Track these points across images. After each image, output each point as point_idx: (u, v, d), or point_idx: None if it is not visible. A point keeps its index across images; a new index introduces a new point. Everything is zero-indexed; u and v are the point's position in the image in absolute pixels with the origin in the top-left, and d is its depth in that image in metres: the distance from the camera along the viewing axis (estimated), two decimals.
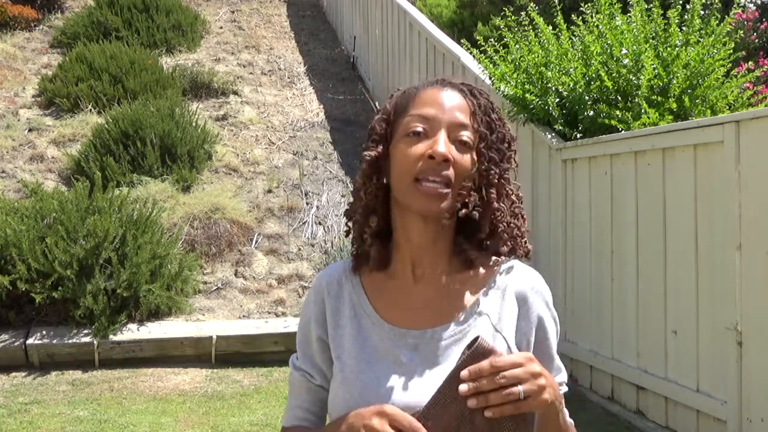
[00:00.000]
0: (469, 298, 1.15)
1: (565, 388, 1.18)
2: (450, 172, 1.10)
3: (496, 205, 1.14)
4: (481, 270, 1.18)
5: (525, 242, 1.19)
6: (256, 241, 6.47)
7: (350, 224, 1.21)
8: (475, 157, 1.13)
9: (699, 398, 3.50)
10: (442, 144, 1.10)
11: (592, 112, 4.52)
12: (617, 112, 4.35)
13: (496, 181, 1.14)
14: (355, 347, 1.15)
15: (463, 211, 1.13)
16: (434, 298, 1.16)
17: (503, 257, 1.19)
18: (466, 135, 1.12)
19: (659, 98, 4.36)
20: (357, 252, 1.21)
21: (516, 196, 1.19)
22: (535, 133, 4.96)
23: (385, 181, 1.16)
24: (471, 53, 5.46)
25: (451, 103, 1.14)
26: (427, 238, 1.15)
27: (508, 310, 1.15)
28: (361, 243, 1.19)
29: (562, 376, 1.20)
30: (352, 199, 1.21)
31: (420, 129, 1.12)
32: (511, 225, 1.17)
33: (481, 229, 1.15)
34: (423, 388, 1.07)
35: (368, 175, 1.17)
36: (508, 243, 1.16)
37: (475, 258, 1.17)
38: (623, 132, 4.23)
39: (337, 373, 1.15)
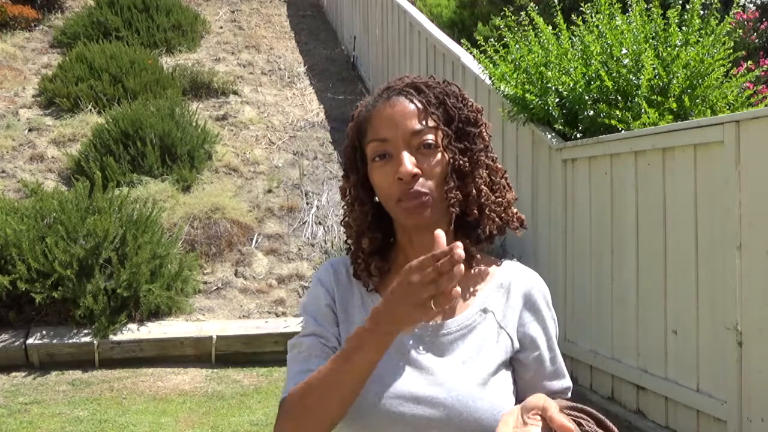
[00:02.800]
0: (474, 294, 1.17)
1: (568, 396, 1.19)
2: (424, 183, 1.10)
3: (474, 191, 1.14)
4: (483, 267, 1.20)
5: (515, 212, 1.19)
6: (256, 241, 6.47)
7: (349, 242, 1.23)
8: (443, 153, 1.12)
9: (699, 398, 3.50)
10: (405, 163, 1.09)
11: (592, 112, 4.52)
12: (617, 112, 4.34)
13: (468, 168, 1.13)
14: None
15: (453, 210, 1.12)
16: None
17: (504, 259, 1.22)
18: (427, 138, 1.11)
19: (659, 98, 4.36)
20: (356, 273, 1.21)
21: (495, 169, 1.18)
22: (535, 133, 4.96)
23: (376, 199, 1.17)
24: (471, 53, 5.46)
25: (401, 113, 1.12)
26: (428, 239, 1.15)
27: (511, 307, 1.16)
28: (358, 266, 1.20)
29: (567, 381, 1.21)
30: (343, 227, 1.23)
31: (382, 152, 1.12)
32: (497, 201, 1.17)
33: (468, 215, 1.15)
34: (428, 377, 1.09)
35: (350, 204, 1.19)
36: (497, 220, 1.16)
37: (475, 254, 1.18)
38: (623, 132, 4.23)
39: None
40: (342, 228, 1.26)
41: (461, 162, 1.13)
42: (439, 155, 1.12)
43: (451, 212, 1.12)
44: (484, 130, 1.18)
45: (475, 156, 1.14)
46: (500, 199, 1.17)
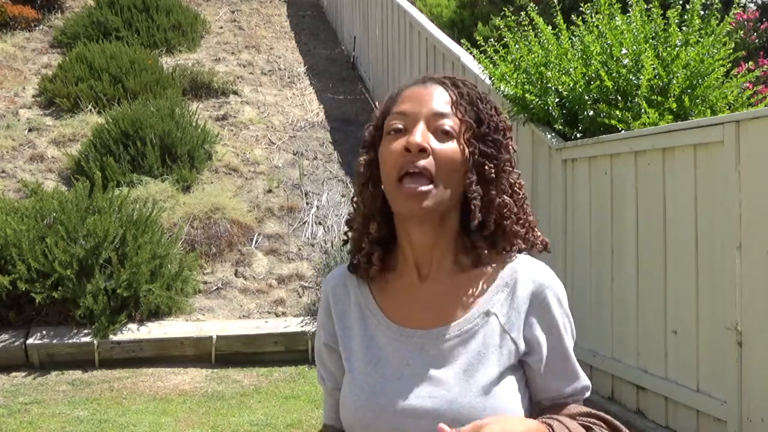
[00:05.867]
0: (476, 297, 1.12)
1: (584, 395, 1.16)
2: (429, 162, 1.07)
3: (498, 200, 1.11)
4: (490, 267, 1.14)
5: (539, 235, 1.16)
6: (256, 241, 6.47)
7: (349, 233, 1.20)
8: (462, 147, 1.10)
9: (699, 398, 3.49)
10: (417, 135, 1.07)
11: (592, 112, 4.52)
12: (617, 112, 4.34)
13: (494, 175, 1.11)
14: (362, 348, 1.13)
15: (476, 204, 1.09)
16: (441, 298, 1.13)
17: (514, 253, 1.16)
18: (447, 124, 1.09)
19: (659, 98, 4.36)
20: (356, 261, 1.19)
21: (518, 186, 1.16)
22: (535, 133, 4.96)
23: (382, 187, 1.13)
24: (471, 53, 5.46)
25: (431, 95, 1.11)
26: (427, 238, 1.12)
27: (517, 308, 1.11)
28: (360, 250, 1.17)
29: (582, 382, 1.16)
30: (353, 209, 1.20)
31: (400, 126, 1.10)
32: (521, 219, 1.14)
33: (485, 226, 1.11)
34: (429, 389, 1.06)
35: (363, 183, 1.16)
36: (523, 239, 1.13)
37: (483, 255, 1.13)
38: (623, 132, 4.23)
39: (347, 374, 1.14)
40: (344, 226, 1.25)
41: (487, 167, 1.10)
42: (455, 146, 1.09)
43: (476, 218, 1.08)
44: (510, 144, 1.16)
45: (501, 164, 1.12)
46: (523, 216, 1.14)
